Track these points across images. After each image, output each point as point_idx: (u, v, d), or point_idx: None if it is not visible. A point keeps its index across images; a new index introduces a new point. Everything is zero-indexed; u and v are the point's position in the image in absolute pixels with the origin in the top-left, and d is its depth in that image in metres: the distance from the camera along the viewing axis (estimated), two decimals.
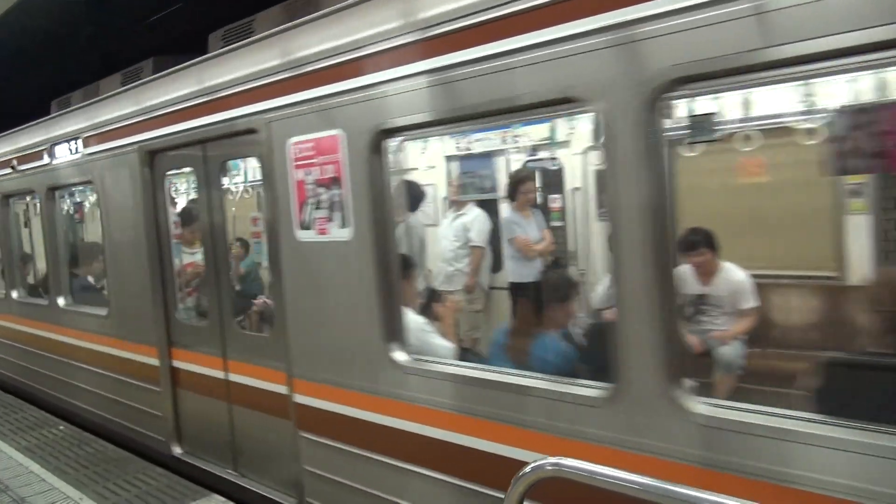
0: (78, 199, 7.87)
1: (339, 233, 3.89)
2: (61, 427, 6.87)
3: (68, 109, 6.94)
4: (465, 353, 4.21)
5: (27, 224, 8.44)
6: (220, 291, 5.02)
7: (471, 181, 7.28)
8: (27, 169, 7.54)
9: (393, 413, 3.69)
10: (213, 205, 5.01)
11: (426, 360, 3.62)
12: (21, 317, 8.05)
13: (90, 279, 7.54)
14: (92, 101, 6.47)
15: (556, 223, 7.05)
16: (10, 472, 5.63)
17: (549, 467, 2.21)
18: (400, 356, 3.66)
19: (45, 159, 7.11)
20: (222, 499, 4.97)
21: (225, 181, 5.03)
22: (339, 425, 4.02)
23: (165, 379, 5.60)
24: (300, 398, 4.29)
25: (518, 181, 6.43)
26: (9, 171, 7.95)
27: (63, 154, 6.80)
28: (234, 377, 4.96)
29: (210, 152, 4.95)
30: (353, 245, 3.82)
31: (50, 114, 8.37)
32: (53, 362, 7.34)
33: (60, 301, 7.13)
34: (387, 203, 3.73)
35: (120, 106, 5.88)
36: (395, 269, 3.75)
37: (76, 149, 6.57)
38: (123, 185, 5.84)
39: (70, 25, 9.63)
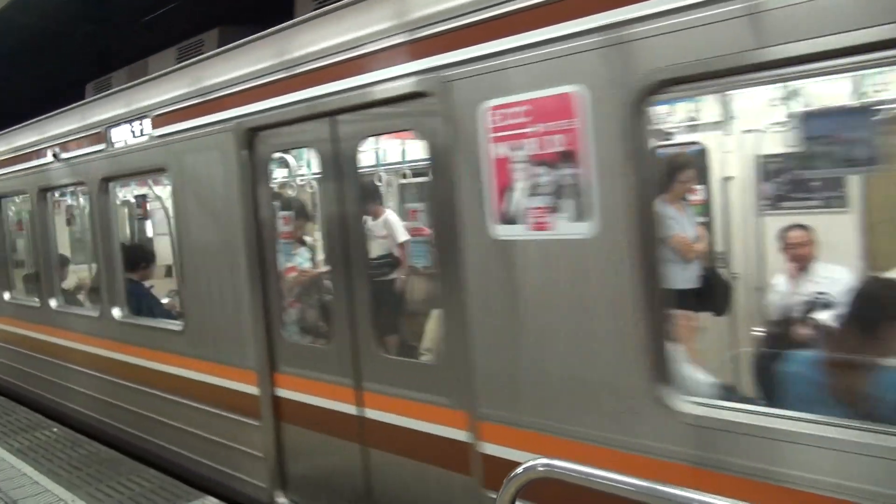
0: (141, 191, 6.77)
1: (573, 228, 2.84)
2: (54, 429, 6.68)
3: (128, 85, 5.86)
4: (730, 391, 3.17)
5: (70, 221, 7.34)
6: (353, 303, 3.95)
7: None
8: (73, 157, 6.45)
9: (666, 478, 2.63)
10: (344, 193, 3.93)
11: (721, 408, 2.57)
12: (63, 329, 6.94)
13: (147, 284, 6.46)
14: (164, 71, 5.39)
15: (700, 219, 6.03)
16: (3, 475, 5.51)
17: (541, 468, 2.27)
18: (678, 401, 2.61)
19: (99, 145, 6.02)
20: (215, 500, 4.79)
21: (362, 162, 3.95)
22: (560, 489, 2.96)
23: (267, 411, 4.53)
24: (491, 448, 3.22)
25: (676, 167, 5.38)
26: (48, 160, 6.86)
27: (123, 137, 5.71)
28: (372, 413, 3.90)
29: (343, 127, 3.88)
30: (596, 245, 2.77)
31: (85, 97, 7.36)
32: (106, 383, 6.25)
33: (116, 312, 6.04)
34: (651, 187, 2.68)
35: (206, 76, 4.81)
36: (663, 280, 2.70)
37: (141, 130, 5.48)
38: (210, 172, 4.76)
39: (66, 24, 9.40)
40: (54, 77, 10.56)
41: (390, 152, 5.44)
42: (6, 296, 8.19)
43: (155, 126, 5.30)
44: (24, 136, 7.47)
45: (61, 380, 7.05)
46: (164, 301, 6.51)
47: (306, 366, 4.32)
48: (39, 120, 7.29)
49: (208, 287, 4.92)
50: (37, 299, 7.71)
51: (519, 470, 2.29)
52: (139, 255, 6.46)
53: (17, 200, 8.44)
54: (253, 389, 4.60)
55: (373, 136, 3.95)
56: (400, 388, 3.72)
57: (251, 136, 4.43)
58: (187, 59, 5.49)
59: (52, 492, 5.11)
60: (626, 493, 2.04)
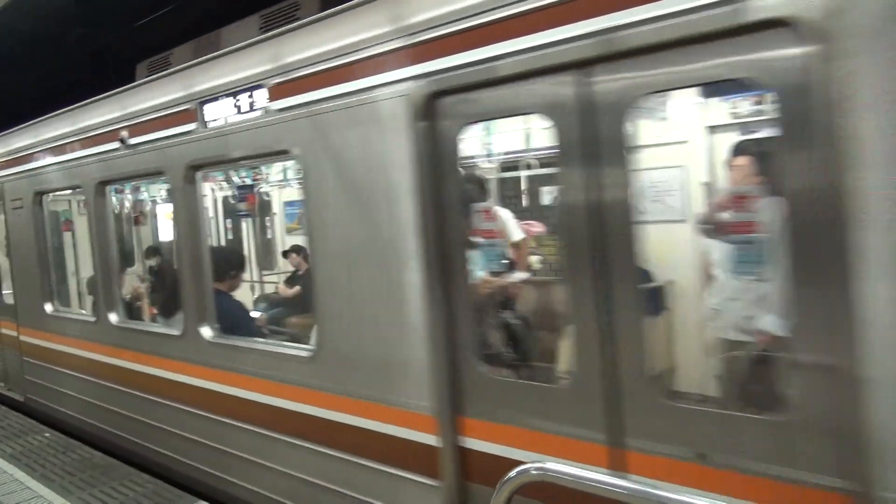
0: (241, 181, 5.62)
1: None
2: (47, 434, 6.60)
3: (228, 50, 4.73)
4: None
5: (139, 220, 6.19)
6: (610, 326, 2.84)
7: None
8: (147, 142, 5.32)
9: None
10: (600, 176, 2.82)
11: None
12: (129, 350, 5.79)
13: (234, 296, 5.32)
14: (286, 28, 4.28)
15: None
16: None
17: (535, 471, 2.31)
18: None
19: (186, 126, 4.91)
20: None
21: (633, 131, 2.83)
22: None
23: (449, 467, 3.41)
24: None
25: None
26: (112, 146, 5.73)
27: (222, 115, 4.60)
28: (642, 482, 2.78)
29: (603, 82, 2.78)
30: None
31: (136, 80, 6.31)
32: (192, 417, 5.10)
33: (206, 331, 4.91)
34: None
35: (359, 28, 3.70)
36: None
37: (251, 104, 4.37)
38: (365, 152, 3.66)
39: (60, 26, 9.65)
40: (54, 77, 10.69)
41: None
42: (48, 307, 7.03)
43: (273, 97, 4.19)
44: (76, 121, 6.33)
45: (126, 410, 5.89)
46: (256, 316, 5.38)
47: (514, 410, 3.21)
48: (96, 100, 6.17)
49: (355, 302, 3.80)
50: (84, 311, 6.58)
51: (512, 473, 2.31)
52: (228, 262, 5.32)
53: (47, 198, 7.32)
54: (428, 438, 3.48)
55: (659, 91, 2.85)
56: (702, 450, 2.62)
57: (432, 103, 3.34)
58: (274, 28, 4.46)
59: (45, 497, 5.04)
60: (621, 496, 2.07)
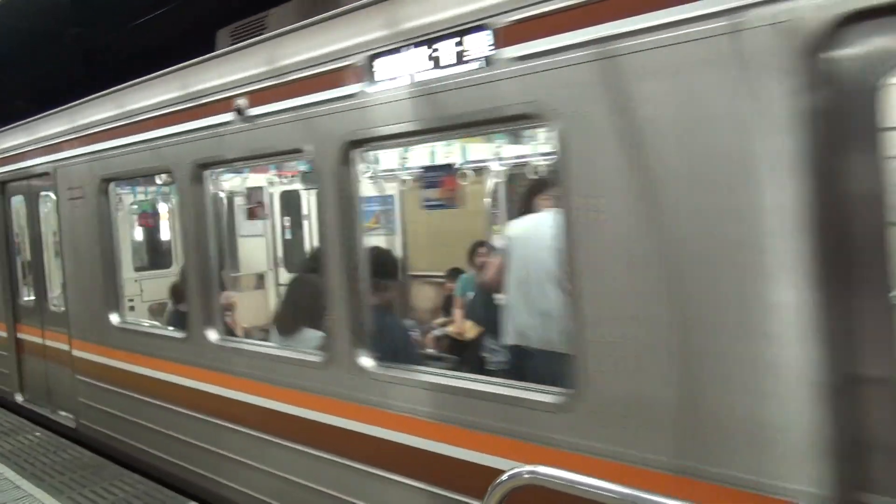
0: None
1: None
2: (38, 433, 6.54)
3: None
4: None
5: (256, 215, 4.99)
6: None
7: None
8: (276, 112, 4.14)
9: None
10: None
11: None
12: (238, 377, 4.58)
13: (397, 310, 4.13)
14: None
15: None
16: None
17: (526, 475, 2.27)
18: None
19: (343, 88, 3.73)
20: None
21: None
22: None
23: None
24: None
25: None
26: (218, 120, 4.55)
27: (408, 70, 3.43)
28: None
29: None
30: None
31: (216, 48, 5.22)
32: (352, 474, 3.90)
33: (365, 361, 3.73)
34: None
35: None
36: None
37: (460, 55, 3.21)
38: (696, 110, 2.50)
39: (58, 25, 9.62)
40: (52, 77, 10.75)
41: None
42: (114, 318, 5.81)
43: (505, 42, 3.02)
44: (164, 90, 5.15)
45: (233, 453, 4.68)
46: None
47: None
48: (194, 64, 4.99)
49: (664, 329, 2.63)
50: (173, 327, 5.38)
51: (504, 477, 2.29)
52: (378, 269, 4.12)
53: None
54: None
55: None
56: None
57: (837, 33, 2.19)
58: None
59: (35, 496, 5.02)
60: (613, 500, 2.09)
